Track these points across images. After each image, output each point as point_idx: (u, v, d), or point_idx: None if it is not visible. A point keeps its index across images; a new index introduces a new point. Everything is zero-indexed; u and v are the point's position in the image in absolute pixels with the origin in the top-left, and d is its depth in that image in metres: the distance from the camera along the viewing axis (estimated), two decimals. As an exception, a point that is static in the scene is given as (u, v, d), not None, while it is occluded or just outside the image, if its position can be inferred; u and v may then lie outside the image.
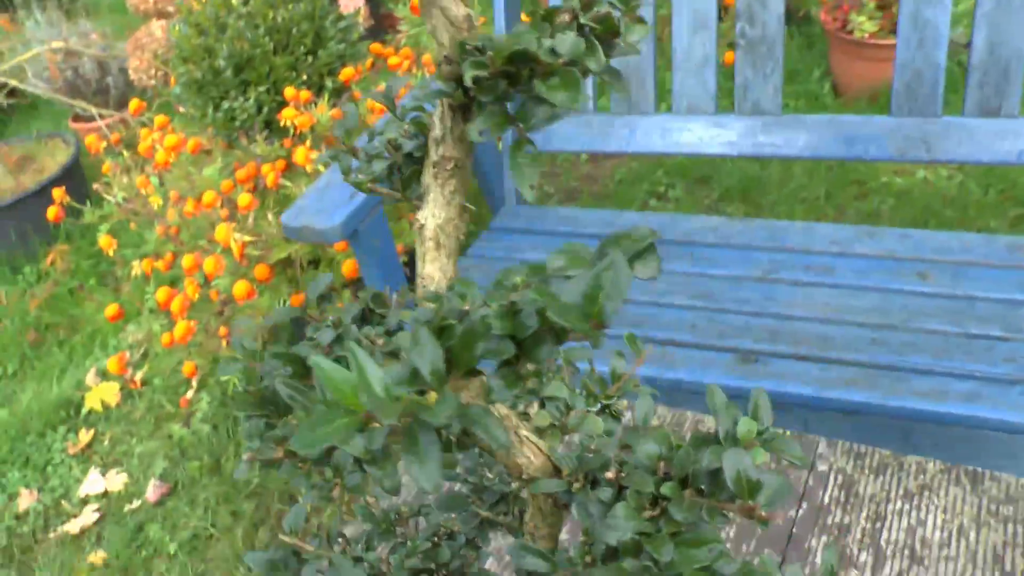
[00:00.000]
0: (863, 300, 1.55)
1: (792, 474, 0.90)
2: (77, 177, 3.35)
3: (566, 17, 0.38)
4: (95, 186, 2.42)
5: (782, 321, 1.53)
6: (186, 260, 2.01)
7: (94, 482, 2.36)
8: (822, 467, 0.92)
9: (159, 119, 2.18)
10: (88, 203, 2.66)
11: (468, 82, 0.38)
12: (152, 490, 2.24)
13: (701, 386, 1.43)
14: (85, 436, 2.50)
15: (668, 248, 1.81)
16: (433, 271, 0.42)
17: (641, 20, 0.39)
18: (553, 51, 0.36)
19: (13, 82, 3.25)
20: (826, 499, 0.88)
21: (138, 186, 2.17)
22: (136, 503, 2.24)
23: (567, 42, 0.36)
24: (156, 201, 2.18)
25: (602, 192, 2.89)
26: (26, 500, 2.37)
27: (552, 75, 0.37)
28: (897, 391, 1.33)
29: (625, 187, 2.86)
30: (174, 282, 2.47)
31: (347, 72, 2.31)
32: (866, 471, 0.89)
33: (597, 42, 0.37)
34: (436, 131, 0.42)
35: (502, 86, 0.38)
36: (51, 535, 2.26)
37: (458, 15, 0.39)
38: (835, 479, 0.90)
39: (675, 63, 1.85)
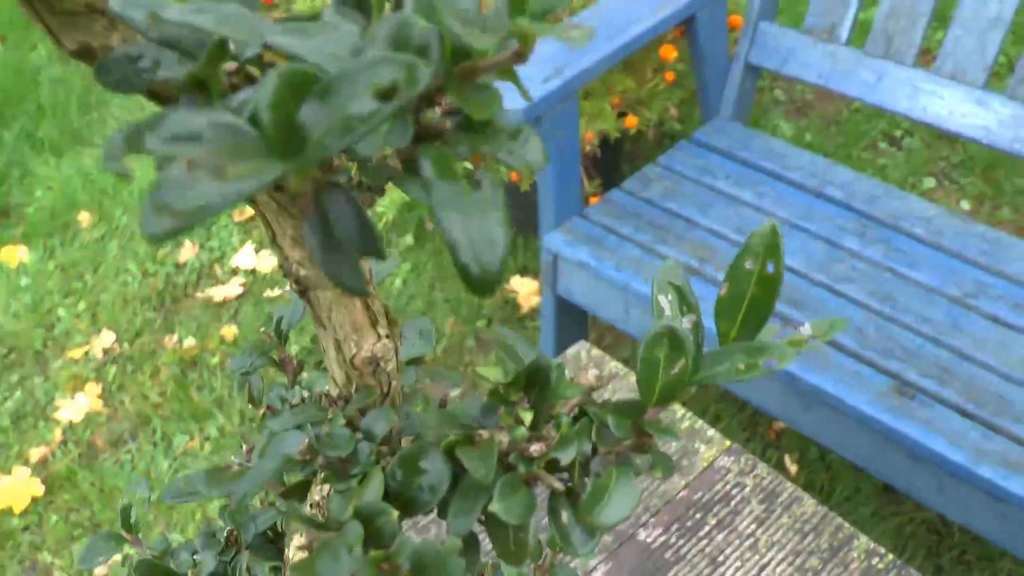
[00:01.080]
0: (1067, 367, 1.33)
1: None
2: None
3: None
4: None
5: (960, 361, 1.32)
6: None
7: (247, 256, 2.45)
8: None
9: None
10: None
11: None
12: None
13: (841, 404, 1.28)
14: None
15: (868, 226, 1.60)
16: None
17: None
18: None
19: None
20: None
21: None
22: (276, 291, 2.32)
23: None
24: None
25: (833, 115, 2.60)
26: (187, 252, 2.49)
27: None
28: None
29: (859, 118, 2.56)
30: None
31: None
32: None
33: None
34: (315, 496, 0.31)
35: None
36: (198, 294, 2.38)
37: (360, 356, 0.27)
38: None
39: (956, 14, 1.58)
